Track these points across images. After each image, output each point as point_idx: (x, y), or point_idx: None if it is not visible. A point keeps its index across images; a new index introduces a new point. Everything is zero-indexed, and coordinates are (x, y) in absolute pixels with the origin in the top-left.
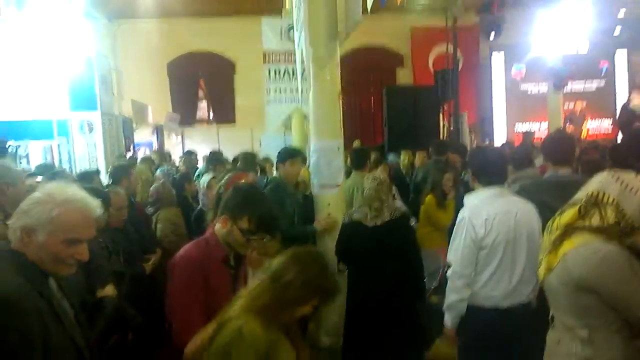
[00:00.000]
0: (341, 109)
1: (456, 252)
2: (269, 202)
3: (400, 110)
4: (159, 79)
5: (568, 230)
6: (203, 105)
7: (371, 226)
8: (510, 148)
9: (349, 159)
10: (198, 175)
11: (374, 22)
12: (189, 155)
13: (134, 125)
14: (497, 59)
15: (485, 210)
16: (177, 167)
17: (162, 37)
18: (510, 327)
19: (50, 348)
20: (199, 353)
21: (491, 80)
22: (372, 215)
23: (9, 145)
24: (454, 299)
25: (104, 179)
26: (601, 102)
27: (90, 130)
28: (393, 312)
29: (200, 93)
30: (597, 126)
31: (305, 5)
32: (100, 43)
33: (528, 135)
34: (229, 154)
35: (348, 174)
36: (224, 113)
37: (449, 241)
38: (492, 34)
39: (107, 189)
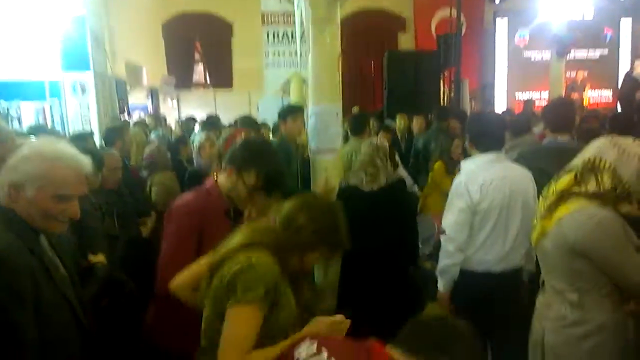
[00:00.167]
0: (341, 72)
1: (451, 217)
2: (278, 159)
3: (401, 75)
4: (153, 40)
5: (564, 196)
6: (199, 68)
7: (367, 191)
8: (511, 116)
9: (346, 125)
10: (193, 140)
11: None
12: (189, 121)
13: (128, 88)
14: (501, 25)
15: (481, 176)
16: (173, 130)
17: None
18: (502, 292)
19: (42, 305)
20: (185, 287)
21: (494, 47)
22: (368, 180)
23: (0, 106)
24: (447, 263)
25: (98, 142)
26: (603, 71)
27: (83, 91)
28: (386, 276)
29: (197, 56)
30: (598, 95)
31: None
32: (91, 1)
33: (529, 103)
34: (226, 119)
35: (347, 140)
36: (221, 77)
37: None
38: None
39: (100, 151)
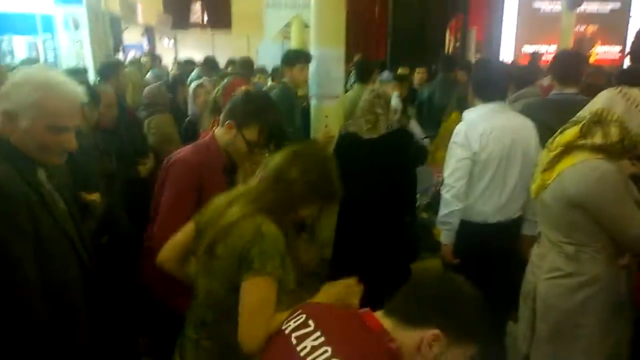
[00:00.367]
0: (345, 16)
1: (450, 165)
2: (280, 114)
3: (406, 22)
4: None
5: (567, 149)
6: (197, 7)
7: (366, 138)
8: (516, 68)
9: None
10: (191, 81)
11: None
12: (187, 64)
13: (122, 25)
14: None
15: (481, 125)
16: (170, 71)
17: None
18: (497, 242)
19: (41, 238)
20: (172, 259)
21: None
22: (367, 128)
23: None
24: (445, 212)
25: (92, 80)
26: (613, 27)
27: (76, 27)
28: (381, 224)
29: None
30: (606, 52)
31: None
32: None
33: (535, 55)
34: (224, 62)
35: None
36: (219, 17)
37: None
38: None
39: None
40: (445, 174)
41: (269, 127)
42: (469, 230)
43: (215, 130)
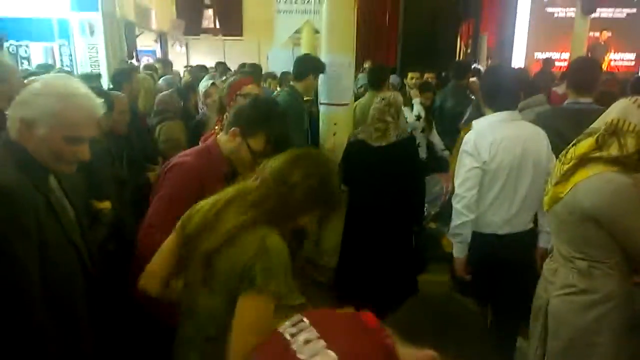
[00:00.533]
0: (356, 22)
1: (460, 175)
2: (287, 123)
3: (417, 27)
4: None
5: (582, 161)
6: (209, 14)
7: (375, 146)
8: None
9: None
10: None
11: None
12: (199, 70)
13: (137, 30)
14: None
15: (491, 135)
16: (181, 77)
17: None
18: (506, 255)
19: (47, 245)
20: (157, 279)
21: (516, 0)
22: (377, 136)
23: (10, 45)
24: (457, 223)
25: (105, 85)
26: (628, 33)
27: (92, 32)
28: (389, 234)
29: (207, 0)
30: (620, 58)
31: None
32: None
33: (548, 62)
34: (235, 68)
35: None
36: (231, 24)
37: None
38: None
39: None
40: (456, 184)
41: (275, 136)
42: (477, 242)
43: (219, 136)
